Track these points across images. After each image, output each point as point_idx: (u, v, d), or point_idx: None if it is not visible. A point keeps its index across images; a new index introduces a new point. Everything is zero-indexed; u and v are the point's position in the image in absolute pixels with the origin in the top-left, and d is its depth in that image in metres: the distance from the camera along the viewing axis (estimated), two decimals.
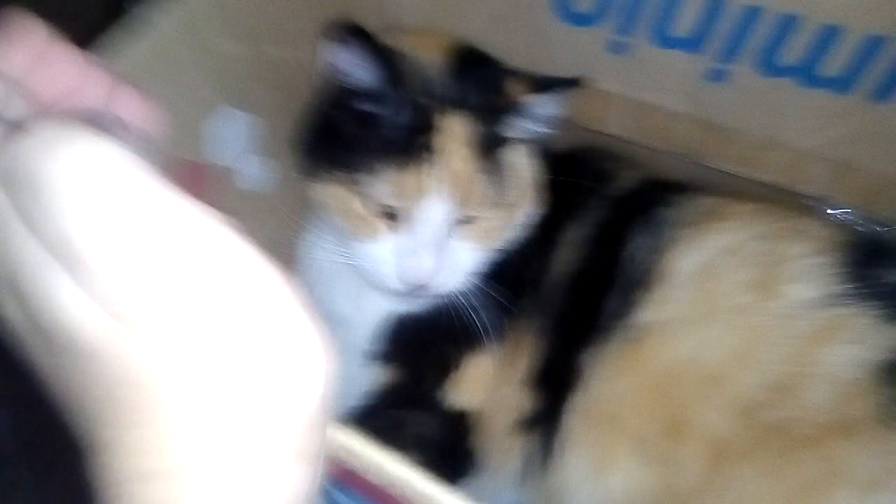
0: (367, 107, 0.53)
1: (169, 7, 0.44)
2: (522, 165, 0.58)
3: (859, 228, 0.55)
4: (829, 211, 0.59)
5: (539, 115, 0.56)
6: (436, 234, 0.52)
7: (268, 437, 0.21)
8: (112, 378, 0.20)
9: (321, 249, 0.62)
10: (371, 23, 0.64)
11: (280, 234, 0.62)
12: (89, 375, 0.20)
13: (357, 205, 0.53)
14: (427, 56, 0.57)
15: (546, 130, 0.58)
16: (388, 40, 0.58)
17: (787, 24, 0.50)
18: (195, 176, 0.52)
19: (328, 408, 0.22)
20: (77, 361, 0.21)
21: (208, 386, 0.20)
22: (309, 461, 0.22)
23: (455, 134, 0.53)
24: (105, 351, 0.19)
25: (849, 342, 0.46)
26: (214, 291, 0.19)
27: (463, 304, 0.56)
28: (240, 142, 0.55)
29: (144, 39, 0.43)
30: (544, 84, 0.54)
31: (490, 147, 0.54)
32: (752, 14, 0.51)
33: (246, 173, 0.57)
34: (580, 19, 0.58)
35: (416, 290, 0.53)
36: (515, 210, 0.58)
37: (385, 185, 0.52)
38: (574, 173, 0.62)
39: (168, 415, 0.20)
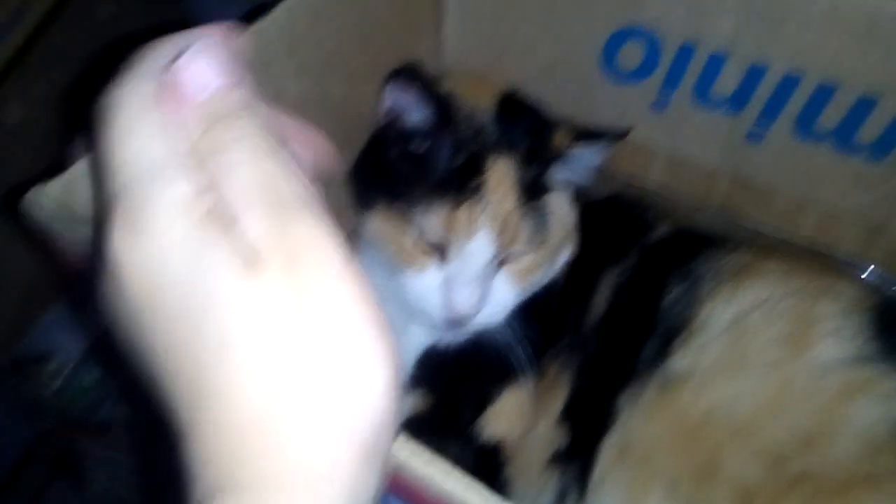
0: (421, 147, 0.56)
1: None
2: (563, 210, 0.60)
3: (893, 290, 0.56)
4: (862, 276, 0.60)
5: (582, 164, 0.58)
6: (480, 270, 0.55)
7: (343, 431, 0.22)
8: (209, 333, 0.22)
9: (368, 278, 0.65)
10: (428, 67, 0.68)
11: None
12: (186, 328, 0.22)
13: (407, 239, 0.56)
14: (479, 102, 0.59)
15: (588, 179, 0.60)
16: (444, 85, 0.62)
17: (825, 93, 0.52)
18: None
19: (396, 411, 0.24)
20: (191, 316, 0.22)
21: (292, 371, 0.22)
22: (378, 460, 0.23)
23: (503, 177, 0.55)
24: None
25: (877, 401, 0.47)
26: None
27: (502, 338, 0.58)
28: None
29: None
30: (590, 135, 0.57)
31: (535, 191, 0.57)
32: (792, 81, 0.53)
33: None
34: (626, 76, 0.61)
35: (458, 322, 0.55)
36: (555, 251, 0.60)
37: (435, 221, 0.54)
38: (615, 220, 0.65)
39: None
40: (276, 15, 0.47)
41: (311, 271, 0.23)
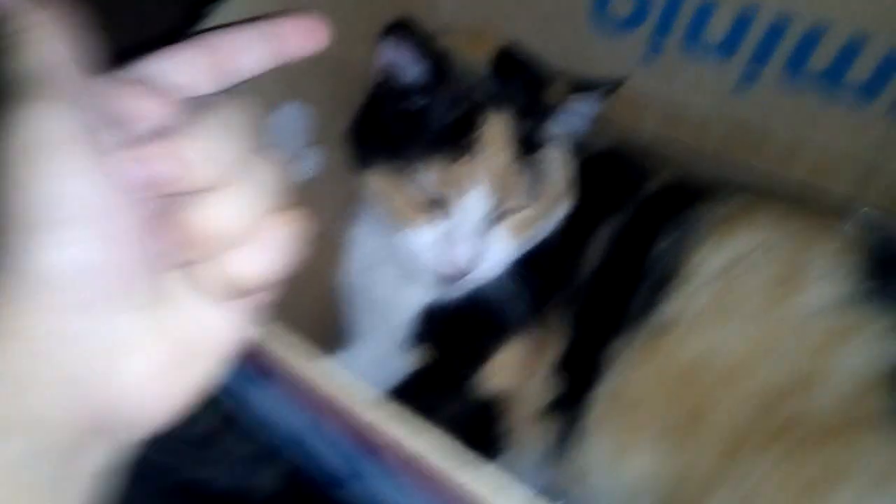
0: (417, 103, 0.56)
1: (240, 9, 0.47)
2: (560, 163, 0.60)
3: (886, 231, 0.56)
4: (858, 212, 0.60)
5: (578, 115, 0.58)
6: (476, 225, 0.55)
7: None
8: None
9: (367, 238, 0.66)
10: (423, 23, 0.68)
11: (331, 223, 0.65)
12: None
13: (405, 195, 0.57)
14: (475, 57, 0.60)
15: (584, 130, 0.60)
16: (440, 41, 0.62)
17: (815, 34, 0.52)
18: None
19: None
20: None
21: None
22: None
23: (498, 131, 0.56)
24: None
25: (867, 342, 0.47)
26: None
27: (498, 292, 0.59)
28: (300, 134, 0.59)
29: None
30: (584, 85, 0.57)
31: (530, 145, 0.57)
32: (782, 23, 0.52)
33: (302, 164, 0.61)
34: (617, 25, 0.60)
35: (456, 276, 0.56)
36: (551, 205, 0.60)
37: (431, 176, 0.55)
38: (612, 171, 0.65)
39: None
40: None
41: None
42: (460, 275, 0.56)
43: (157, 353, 0.25)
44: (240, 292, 0.25)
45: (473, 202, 0.55)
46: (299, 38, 0.29)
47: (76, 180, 0.22)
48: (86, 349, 0.23)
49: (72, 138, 0.22)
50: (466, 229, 0.55)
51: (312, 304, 0.70)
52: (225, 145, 0.24)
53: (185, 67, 0.27)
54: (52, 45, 0.23)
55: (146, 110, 0.24)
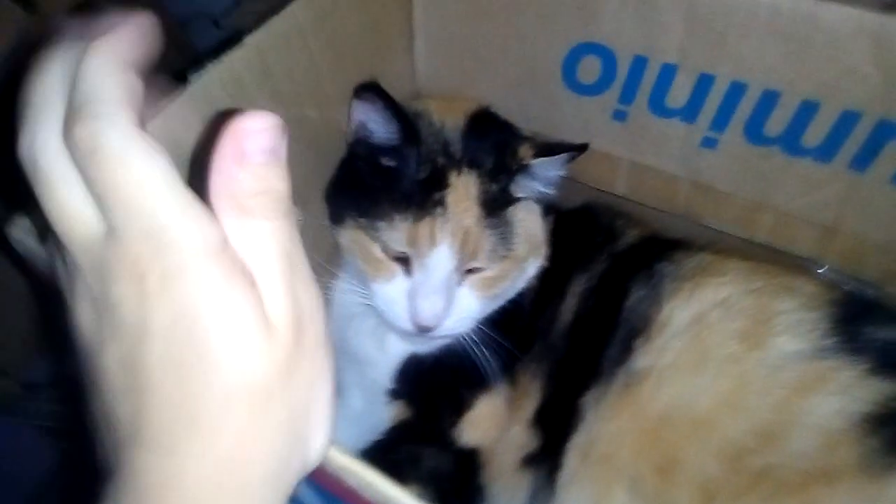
0: (388, 162, 0.58)
1: (220, 72, 0.49)
2: (530, 222, 0.62)
3: (847, 288, 0.58)
4: (819, 271, 0.61)
5: (546, 177, 0.61)
6: (444, 281, 0.57)
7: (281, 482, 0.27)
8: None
9: (348, 293, 0.67)
10: (403, 89, 0.70)
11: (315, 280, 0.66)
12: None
13: (375, 249, 0.58)
14: (448, 119, 0.62)
15: (553, 191, 0.62)
16: (417, 105, 0.64)
17: (770, 99, 0.54)
18: None
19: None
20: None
21: None
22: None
23: (466, 191, 0.58)
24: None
25: (834, 393, 0.47)
26: None
27: (474, 348, 0.60)
28: None
29: (200, 105, 0.47)
30: (550, 149, 0.59)
31: (499, 204, 0.59)
32: (738, 88, 0.55)
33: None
34: (586, 89, 0.63)
35: (424, 330, 0.57)
36: (522, 263, 0.62)
37: (400, 233, 0.56)
38: (584, 229, 0.67)
39: None
40: (246, 43, 0.50)
41: (306, 343, 0.26)
42: (425, 330, 0.57)
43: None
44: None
45: (438, 259, 0.56)
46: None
47: None
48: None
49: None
50: (432, 285, 0.56)
51: None
52: None
53: None
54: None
55: None
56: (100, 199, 0.24)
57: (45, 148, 0.24)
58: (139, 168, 0.23)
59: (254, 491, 0.25)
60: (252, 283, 0.25)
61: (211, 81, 0.49)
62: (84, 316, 0.26)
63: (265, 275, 0.25)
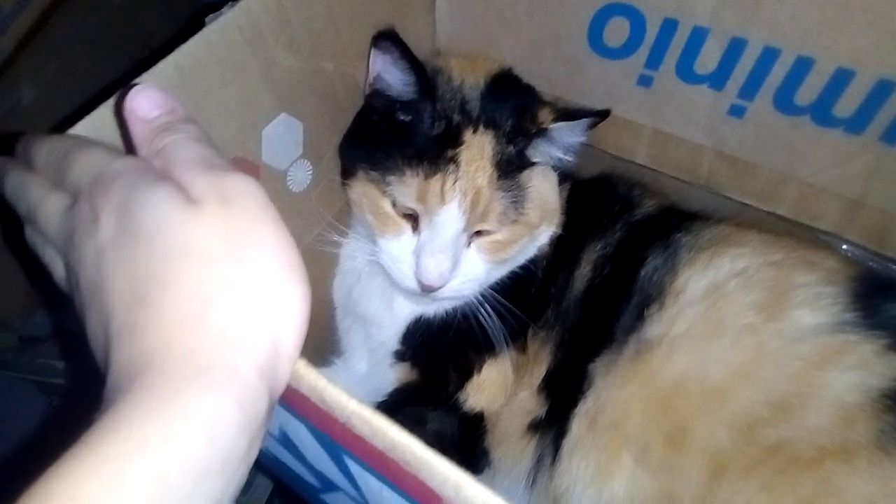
0: (403, 116, 0.57)
1: (237, 16, 0.48)
2: (545, 188, 0.61)
3: (870, 264, 0.57)
4: (842, 247, 0.60)
5: (566, 143, 0.59)
6: (451, 241, 0.56)
7: (248, 351, 0.29)
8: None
9: (358, 252, 0.67)
10: (424, 48, 0.69)
11: (323, 236, 0.66)
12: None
13: (385, 204, 0.57)
14: (468, 77, 0.61)
15: (571, 158, 0.61)
16: (437, 61, 0.63)
17: (803, 66, 0.53)
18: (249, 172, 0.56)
19: (298, 345, 0.31)
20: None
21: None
22: (268, 384, 0.29)
23: (481, 151, 0.56)
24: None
25: (853, 368, 0.47)
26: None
27: (483, 312, 0.59)
28: (293, 147, 0.60)
29: (216, 48, 0.47)
30: (571, 114, 0.58)
31: (513, 167, 0.58)
32: (771, 54, 0.53)
33: (296, 177, 0.62)
34: (612, 52, 0.61)
35: (428, 290, 0.56)
36: (533, 229, 0.60)
37: (410, 188, 0.55)
38: (601, 198, 0.66)
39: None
40: None
41: (239, 213, 0.30)
42: (429, 290, 0.56)
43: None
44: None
45: (446, 218, 0.55)
46: None
47: None
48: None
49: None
50: (438, 244, 0.55)
51: None
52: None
53: None
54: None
55: None
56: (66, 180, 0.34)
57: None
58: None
59: (210, 349, 0.27)
60: (168, 179, 0.31)
61: (228, 25, 0.48)
62: (59, 272, 0.35)
63: (182, 170, 0.31)
